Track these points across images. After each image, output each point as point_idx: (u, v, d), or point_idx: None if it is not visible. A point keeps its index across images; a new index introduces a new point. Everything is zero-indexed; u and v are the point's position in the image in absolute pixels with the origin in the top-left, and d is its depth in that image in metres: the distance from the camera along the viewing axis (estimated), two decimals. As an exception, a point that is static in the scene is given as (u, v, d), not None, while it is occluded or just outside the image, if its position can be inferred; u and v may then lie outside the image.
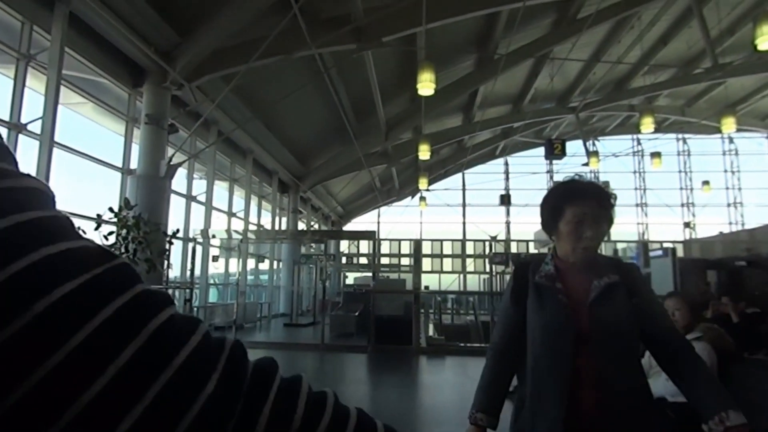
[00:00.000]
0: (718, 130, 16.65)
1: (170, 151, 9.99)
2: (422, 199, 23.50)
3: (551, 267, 1.63)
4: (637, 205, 27.16)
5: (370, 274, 17.87)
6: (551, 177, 27.19)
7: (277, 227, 18.57)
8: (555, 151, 16.89)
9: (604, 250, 22.96)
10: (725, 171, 26.47)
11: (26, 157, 7.47)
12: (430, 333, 13.03)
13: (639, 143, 26.76)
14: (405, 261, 22.97)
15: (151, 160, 9.57)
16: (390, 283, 13.26)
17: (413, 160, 20.77)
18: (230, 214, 14.70)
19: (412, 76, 12.33)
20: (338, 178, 19.74)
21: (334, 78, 12.69)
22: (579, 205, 1.56)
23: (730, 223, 25.68)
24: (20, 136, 7.46)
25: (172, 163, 9.78)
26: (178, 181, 11.43)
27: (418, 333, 9.94)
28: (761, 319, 6.24)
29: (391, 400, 5.97)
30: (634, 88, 17.51)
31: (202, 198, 12.84)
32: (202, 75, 10.14)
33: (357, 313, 12.13)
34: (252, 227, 16.01)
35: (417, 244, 11.68)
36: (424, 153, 15.15)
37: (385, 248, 25.22)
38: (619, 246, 23.08)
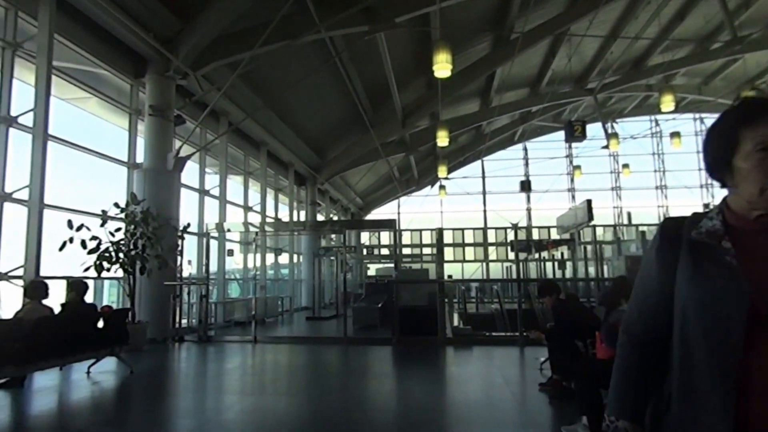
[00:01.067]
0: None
1: (178, 143, 9.26)
2: (442, 187, 22.71)
3: (717, 222, 1.11)
4: (657, 187, 26.14)
5: (391, 265, 17.15)
6: (570, 162, 26.19)
7: (295, 220, 17.88)
8: (575, 133, 16.07)
9: (626, 234, 22.13)
10: (742, 150, 25.68)
11: (20, 152, 6.82)
12: (455, 323, 12.29)
13: (657, 124, 25.74)
14: (426, 251, 22.25)
15: (158, 153, 8.86)
16: (413, 274, 12.60)
17: (431, 148, 19.98)
18: (246, 207, 14.01)
19: (427, 59, 11.50)
20: (356, 168, 18.92)
21: (346, 63, 11.87)
22: (764, 127, 1.04)
23: (747, 203, 24.98)
24: (11, 129, 6.81)
25: (180, 155, 9.02)
26: (190, 175, 10.75)
27: (444, 323, 9.25)
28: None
29: (419, 395, 5.36)
30: (651, 66, 16.74)
31: (216, 192, 12.15)
32: (207, 63, 9.39)
33: (380, 305, 11.45)
34: (269, 221, 15.30)
35: (439, 232, 10.86)
36: (442, 139, 14.33)
37: (406, 239, 24.50)
38: (642, 230, 22.04)
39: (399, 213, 26.39)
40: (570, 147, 26.12)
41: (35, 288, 5.52)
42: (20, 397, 4.99)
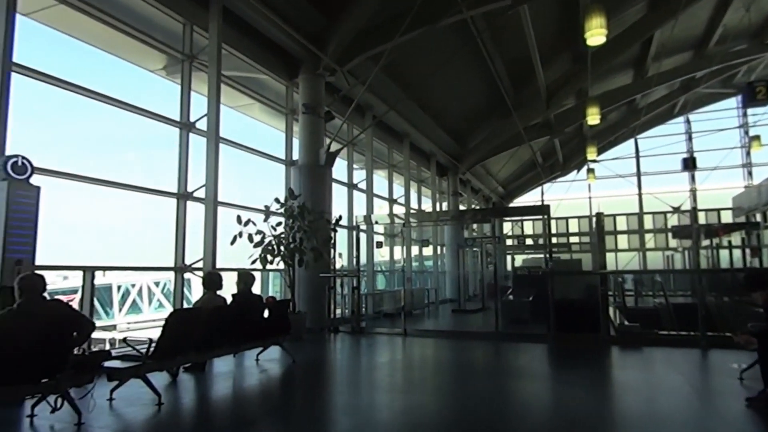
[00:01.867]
0: None
1: (327, 140, 9.35)
2: (590, 171, 20.31)
3: None
4: None
5: (537, 256, 15.81)
6: (746, 132, 21.67)
7: (438, 211, 17.44)
8: (757, 95, 12.97)
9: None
10: None
11: (198, 154, 7.32)
12: (613, 318, 10.72)
13: None
14: (574, 239, 20.21)
15: (311, 149, 9.00)
16: (564, 264, 11.32)
17: (578, 129, 17.96)
18: (391, 200, 13.86)
19: (574, 30, 10.06)
20: (497, 156, 17.67)
21: (487, 43, 10.89)
22: None
23: None
24: (191, 134, 7.33)
25: (330, 151, 9.07)
26: (340, 170, 10.88)
27: (607, 320, 7.95)
28: None
29: (587, 403, 4.35)
30: None
31: (363, 186, 12.15)
32: (352, 58, 9.25)
33: (530, 298, 10.34)
34: (413, 212, 15.08)
35: (599, 218, 9.30)
36: (593, 117, 12.58)
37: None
38: None
39: (543, 201, 24.43)
40: (745, 115, 21.66)
41: (211, 279, 5.72)
42: (202, 381, 5.16)
